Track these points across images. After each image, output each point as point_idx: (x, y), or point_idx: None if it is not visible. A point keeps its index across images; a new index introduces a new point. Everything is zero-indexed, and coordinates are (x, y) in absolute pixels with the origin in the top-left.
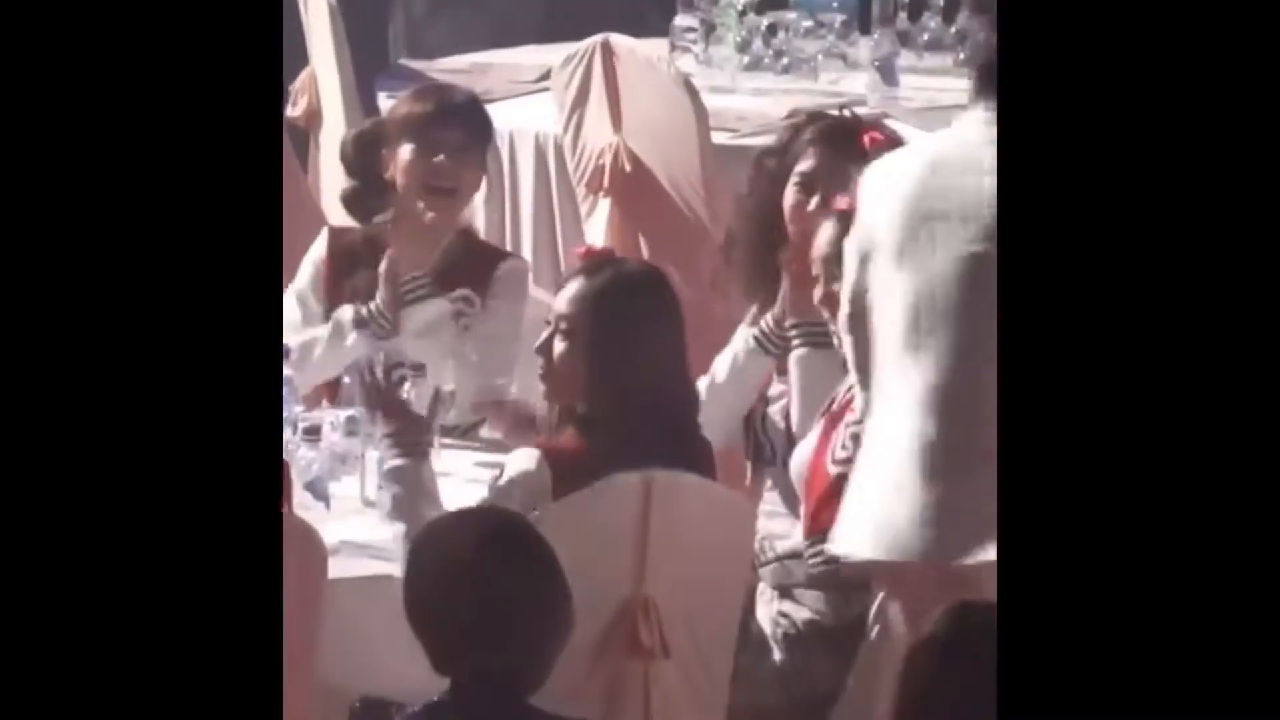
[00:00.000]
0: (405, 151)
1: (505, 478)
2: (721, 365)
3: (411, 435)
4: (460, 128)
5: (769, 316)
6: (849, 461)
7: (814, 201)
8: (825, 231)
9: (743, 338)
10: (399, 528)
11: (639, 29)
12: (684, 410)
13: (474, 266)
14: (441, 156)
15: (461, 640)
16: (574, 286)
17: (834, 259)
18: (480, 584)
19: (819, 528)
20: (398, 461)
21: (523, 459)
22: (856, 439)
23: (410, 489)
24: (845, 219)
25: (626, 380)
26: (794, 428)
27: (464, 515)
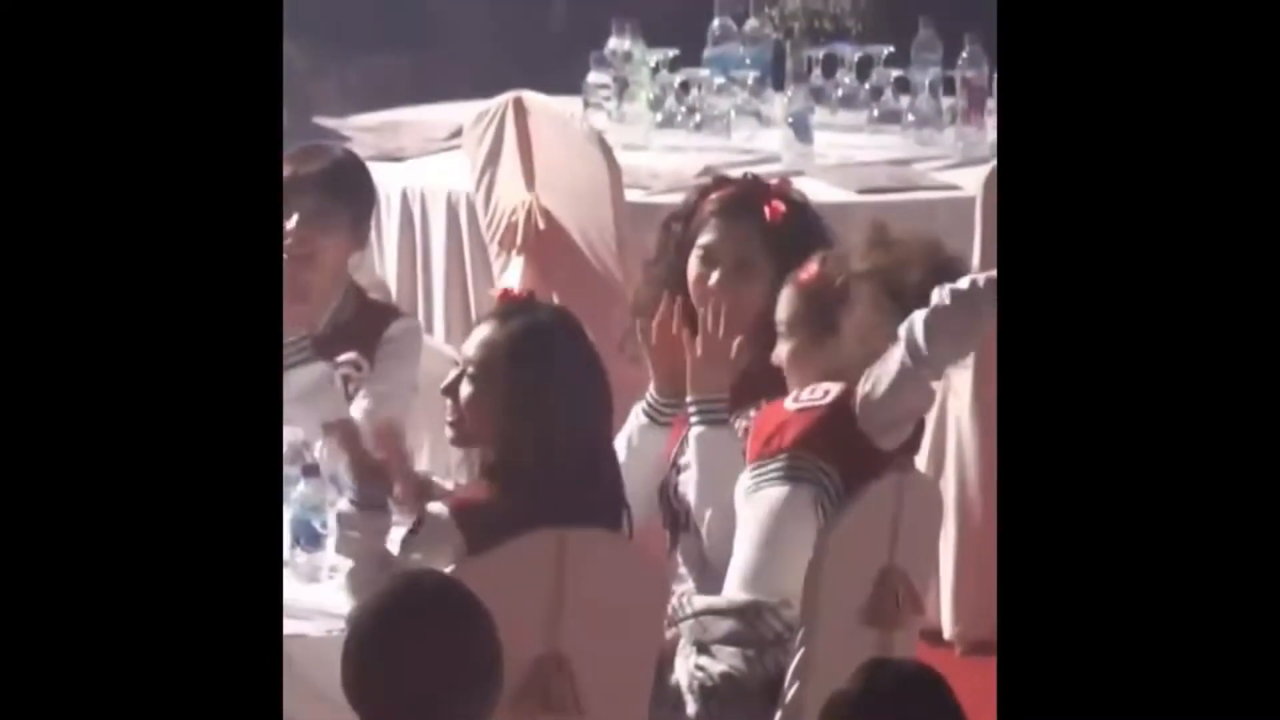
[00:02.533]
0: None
1: (412, 536)
2: (620, 444)
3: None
4: (317, 192)
5: (652, 390)
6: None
7: (714, 276)
8: (787, 299)
9: (635, 415)
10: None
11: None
12: (597, 460)
13: (363, 327)
14: (294, 221)
15: (395, 708)
16: (485, 330)
17: (797, 322)
18: (415, 653)
19: (769, 452)
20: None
21: (431, 515)
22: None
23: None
24: (806, 288)
25: (538, 427)
26: (692, 507)
27: (399, 581)
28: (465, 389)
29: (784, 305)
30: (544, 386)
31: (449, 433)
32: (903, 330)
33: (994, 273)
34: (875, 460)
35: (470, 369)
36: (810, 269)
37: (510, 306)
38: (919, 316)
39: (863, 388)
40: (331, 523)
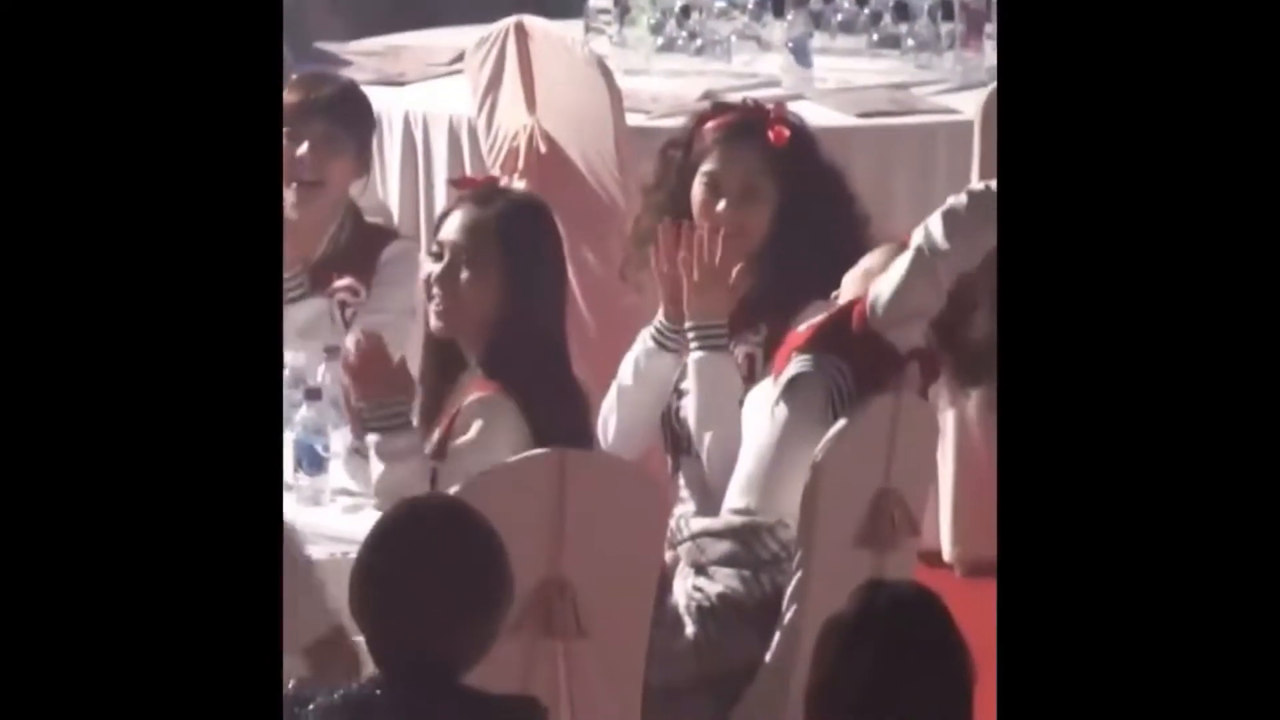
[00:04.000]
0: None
1: (476, 430)
2: (626, 368)
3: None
4: (325, 118)
5: (660, 316)
6: None
7: (721, 203)
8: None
9: (642, 339)
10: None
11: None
12: (563, 354)
13: (359, 252)
14: (304, 148)
15: (405, 632)
16: (468, 214)
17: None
18: (426, 577)
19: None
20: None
21: (493, 402)
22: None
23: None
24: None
25: (527, 312)
26: (692, 431)
27: (411, 506)
28: (464, 274)
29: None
30: (533, 269)
31: (436, 323)
32: (918, 231)
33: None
34: (889, 361)
35: (463, 254)
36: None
37: (485, 191)
38: (934, 215)
39: (873, 291)
40: (334, 446)
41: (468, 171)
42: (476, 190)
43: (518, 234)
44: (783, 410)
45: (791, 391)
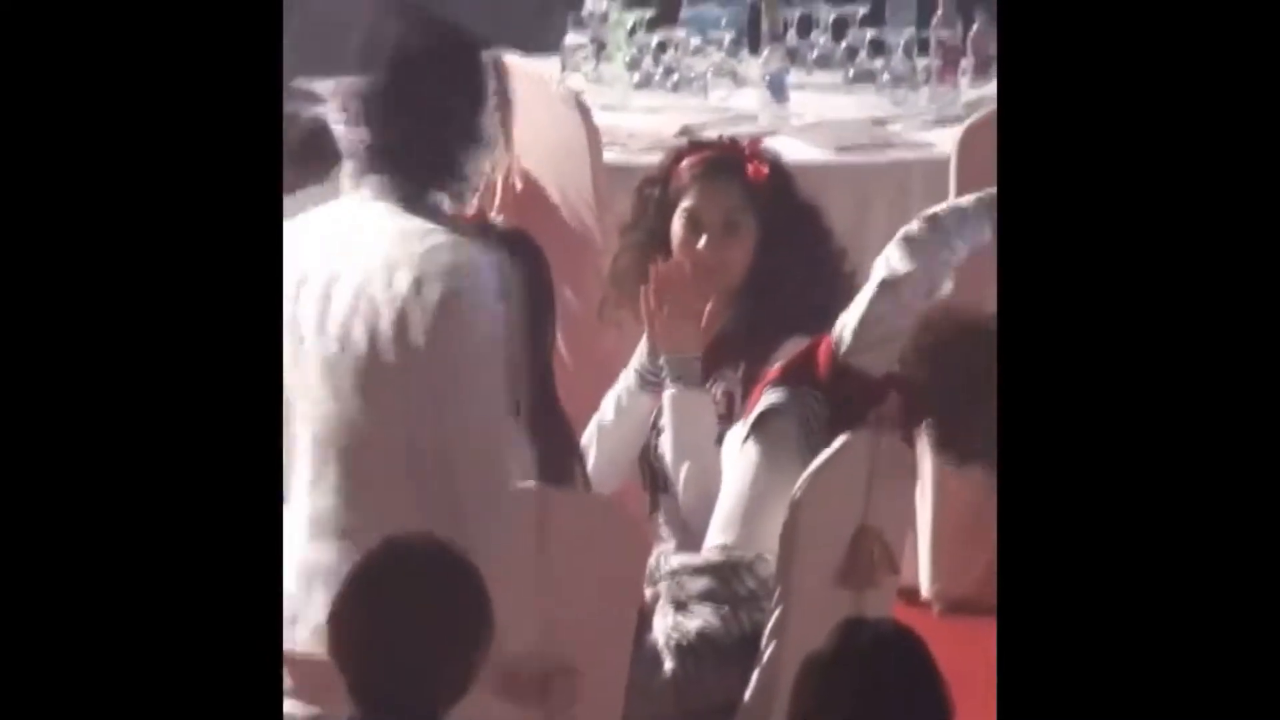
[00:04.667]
0: None
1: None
2: (608, 405)
3: None
4: (291, 160)
5: (643, 353)
6: None
7: (703, 239)
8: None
9: (625, 377)
10: None
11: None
12: (550, 388)
13: None
14: None
15: (386, 671)
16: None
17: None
18: (405, 616)
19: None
20: None
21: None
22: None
23: None
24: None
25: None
26: (669, 467)
27: (390, 544)
28: None
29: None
30: (524, 307)
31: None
32: (878, 261)
33: (958, 201)
34: (866, 391)
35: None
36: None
37: (475, 227)
38: (891, 244)
39: (839, 323)
40: None
41: None
42: (466, 227)
43: (508, 271)
44: (754, 446)
45: (763, 426)
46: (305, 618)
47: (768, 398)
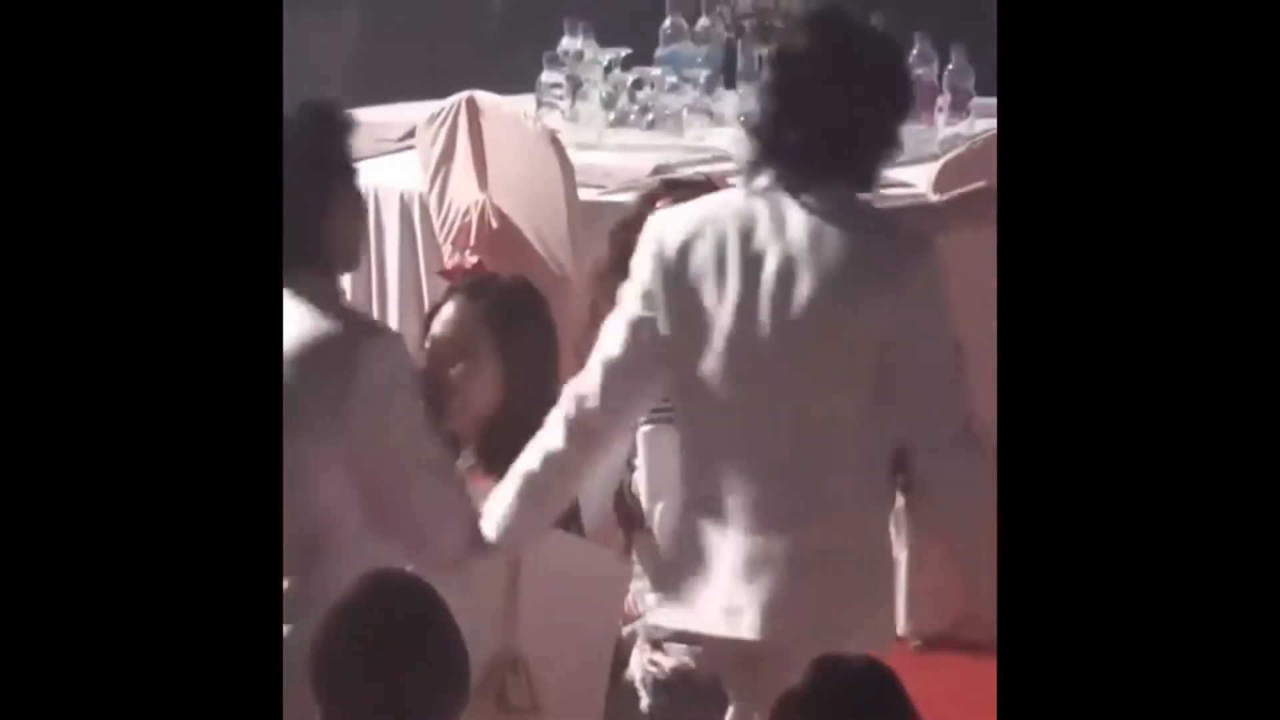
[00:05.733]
0: None
1: None
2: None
3: None
4: None
5: None
6: None
7: None
8: None
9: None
10: None
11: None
12: None
13: None
14: None
15: (362, 710)
16: (458, 307)
17: None
18: (380, 655)
19: None
20: None
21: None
22: None
23: None
24: None
25: (522, 404)
26: (643, 504)
27: (369, 583)
28: (455, 368)
29: None
30: (528, 359)
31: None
32: None
33: None
34: None
35: (456, 348)
36: None
37: (476, 281)
38: None
39: None
40: None
41: (419, 248)
42: (467, 281)
43: (512, 325)
44: None
45: None
46: None
47: None
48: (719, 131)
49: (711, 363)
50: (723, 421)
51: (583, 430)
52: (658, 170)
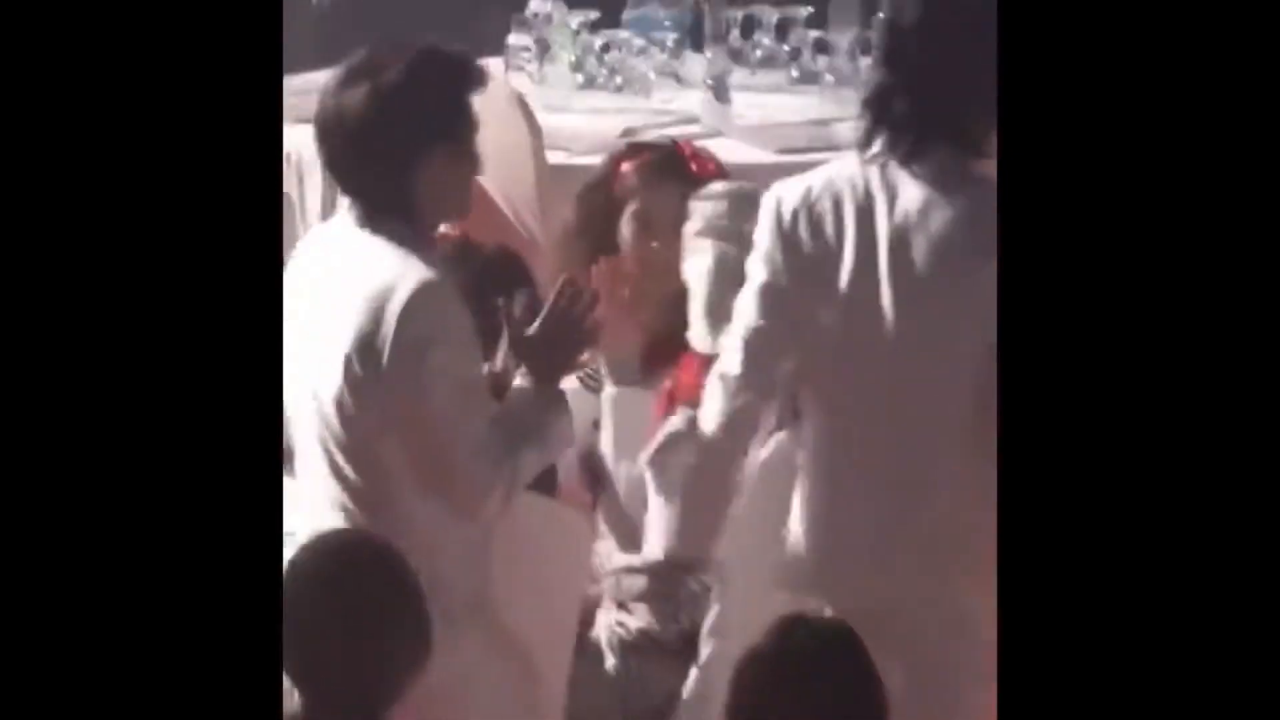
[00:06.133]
0: None
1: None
2: None
3: None
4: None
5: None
6: None
7: (655, 241)
8: None
9: (568, 382)
10: None
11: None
12: None
13: None
14: None
15: (326, 669)
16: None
17: None
18: (345, 610)
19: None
20: None
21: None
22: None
23: None
24: None
25: (505, 372)
26: (608, 464)
27: (324, 541)
28: None
29: None
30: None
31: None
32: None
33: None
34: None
35: None
36: None
37: (457, 248)
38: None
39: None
40: None
41: None
42: (447, 248)
43: (495, 291)
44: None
45: (665, 453)
46: None
47: (674, 420)
48: (686, 94)
49: (833, 327)
50: (845, 408)
51: (738, 411)
52: (626, 132)
